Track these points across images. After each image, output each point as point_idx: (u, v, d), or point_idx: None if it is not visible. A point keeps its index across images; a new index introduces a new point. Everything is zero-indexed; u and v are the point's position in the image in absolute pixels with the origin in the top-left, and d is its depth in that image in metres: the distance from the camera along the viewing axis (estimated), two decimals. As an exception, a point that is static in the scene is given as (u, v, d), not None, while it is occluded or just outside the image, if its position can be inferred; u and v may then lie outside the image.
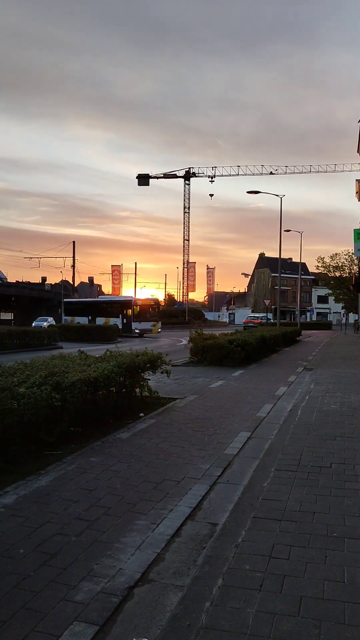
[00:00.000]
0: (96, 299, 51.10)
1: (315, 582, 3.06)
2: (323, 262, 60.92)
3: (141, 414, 7.83)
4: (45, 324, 43.61)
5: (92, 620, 2.68)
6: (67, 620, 2.67)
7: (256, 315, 61.38)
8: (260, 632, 2.57)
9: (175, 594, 2.95)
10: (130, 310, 37.46)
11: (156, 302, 43.15)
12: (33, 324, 42.28)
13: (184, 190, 73.84)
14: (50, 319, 51.28)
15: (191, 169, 72.67)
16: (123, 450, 5.82)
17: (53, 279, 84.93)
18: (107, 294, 76.63)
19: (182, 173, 72.73)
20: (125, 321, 37.36)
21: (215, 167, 71.59)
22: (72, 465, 5.23)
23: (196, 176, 73.08)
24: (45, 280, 78.11)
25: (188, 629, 2.61)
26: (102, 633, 2.59)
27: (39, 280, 78.12)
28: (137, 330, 35.89)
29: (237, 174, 70.39)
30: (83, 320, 39.38)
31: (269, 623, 2.65)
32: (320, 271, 64.82)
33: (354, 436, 6.69)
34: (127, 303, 38.65)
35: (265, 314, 59.18)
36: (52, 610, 2.76)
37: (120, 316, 38.03)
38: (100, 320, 38.18)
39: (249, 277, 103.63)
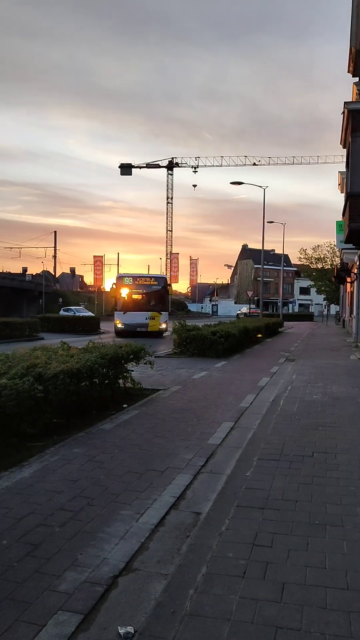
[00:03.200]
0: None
1: (298, 568, 3.10)
2: (305, 254, 61.41)
3: (125, 405, 7.83)
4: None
5: (76, 609, 2.69)
6: (51, 610, 2.68)
7: (252, 306, 61.72)
8: (244, 617, 2.61)
9: (159, 582, 2.97)
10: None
11: (160, 280, 26.85)
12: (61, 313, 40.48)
13: (167, 181, 73.69)
14: (82, 308, 47.69)
15: (174, 159, 72.49)
16: (106, 441, 5.82)
17: (34, 270, 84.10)
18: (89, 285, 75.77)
19: (165, 163, 72.52)
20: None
21: (198, 157, 71.55)
22: (55, 456, 5.22)
23: (179, 166, 72.94)
24: (26, 271, 77.26)
25: (172, 616, 2.63)
26: (87, 622, 2.60)
27: (19, 271, 77.31)
28: (120, 326, 24.75)
29: (221, 165, 70.48)
30: None
31: (252, 609, 2.68)
32: (302, 263, 65.33)
33: (335, 426, 6.78)
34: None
35: (249, 305, 59.55)
36: (36, 600, 2.76)
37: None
38: None
39: (232, 268, 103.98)
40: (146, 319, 24.58)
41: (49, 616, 2.63)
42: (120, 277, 26.63)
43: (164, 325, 25.09)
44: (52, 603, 2.74)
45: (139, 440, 5.94)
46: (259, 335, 22.95)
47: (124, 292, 25.51)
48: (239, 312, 67.97)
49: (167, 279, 28.29)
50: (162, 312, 25.15)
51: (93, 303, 65.83)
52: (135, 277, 26.46)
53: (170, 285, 27.04)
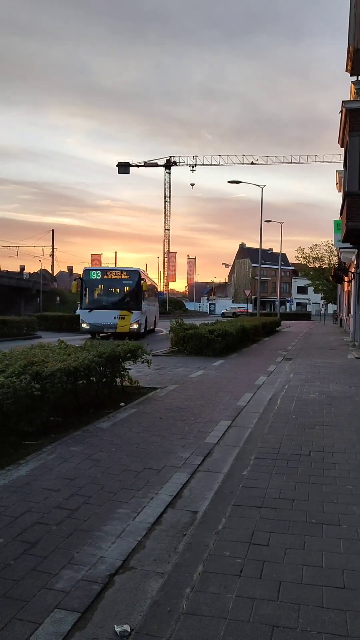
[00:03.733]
0: None
1: (294, 567, 3.11)
2: (303, 253, 61.54)
3: (122, 404, 7.82)
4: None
5: (73, 607, 2.69)
6: (48, 608, 2.67)
7: (241, 305, 61.72)
8: (240, 616, 2.61)
9: (156, 581, 2.97)
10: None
11: (133, 274, 23.14)
12: None
13: (165, 180, 73.63)
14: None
15: (172, 157, 72.42)
16: (104, 440, 5.82)
17: (32, 268, 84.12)
18: None
19: (163, 162, 72.47)
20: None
21: (196, 156, 71.54)
22: (52, 454, 5.21)
23: (177, 165, 72.90)
24: (24, 270, 77.16)
25: (169, 614, 2.63)
26: (83, 620, 2.60)
27: (17, 269, 77.17)
28: (85, 326, 22.20)
29: (219, 164, 70.46)
30: None
31: (248, 607, 2.68)
32: (300, 262, 65.47)
33: (332, 425, 6.79)
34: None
35: (246, 304, 59.66)
36: (32, 598, 2.76)
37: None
38: None
39: (230, 267, 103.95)
40: (115, 318, 21.67)
41: (46, 614, 2.62)
42: (86, 271, 23.30)
43: (135, 326, 21.76)
44: (49, 601, 2.73)
45: (136, 438, 5.94)
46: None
47: (90, 287, 22.50)
48: (224, 311, 67.06)
49: (142, 272, 24.46)
50: (133, 311, 21.96)
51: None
52: (103, 271, 23.32)
53: (144, 280, 23.56)
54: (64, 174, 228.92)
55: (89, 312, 22.05)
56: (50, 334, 24.69)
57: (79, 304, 23.62)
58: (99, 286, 22.90)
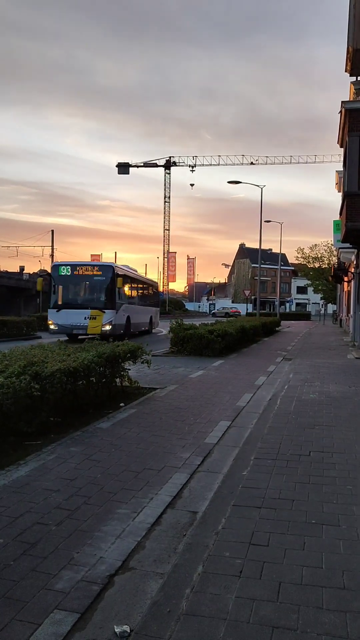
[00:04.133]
0: None
1: (294, 567, 3.10)
2: (303, 253, 61.62)
3: (121, 404, 7.82)
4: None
5: (72, 608, 2.69)
6: (47, 609, 2.67)
7: (234, 306, 61.66)
8: (240, 617, 2.61)
9: (155, 582, 2.96)
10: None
11: (105, 270, 20.79)
12: None
13: (165, 180, 73.65)
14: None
15: (172, 158, 72.43)
16: (103, 440, 5.82)
17: (31, 269, 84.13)
18: None
19: (162, 162, 72.49)
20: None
21: (196, 156, 71.57)
22: (52, 455, 5.21)
23: (177, 165, 72.91)
24: (24, 270, 77.14)
25: (168, 615, 2.63)
26: (83, 621, 2.60)
27: (16, 270, 77.14)
28: (53, 327, 20.34)
29: (218, 164, 70.48)
30: None
31: (248, 608, 2.68)
32: (299, 262, 65.52)
33: (332, 425, 6.79)
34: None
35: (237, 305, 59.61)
36: (32, 599, 2.76)
37: None
38: None
39: (229, 267, 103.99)
40: (85, 318, 19.70)
41: (45, 615, 2.62)
42: (55, 266, 21.45)
43: (108, 327, 19.61)
44: (48, 602, 2.73)
45: (135, 439, 5.94)
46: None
47: (59, 284, 20.60)
48: (215, 311, 66.38)
49: (117, 267, 21.89)
50: (105, 310, 19.86)
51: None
52: (73, 266, 20.82)
53: (121, 275, 21.22)
54: (63, 174, 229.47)
55: (57, 311, 20.20)
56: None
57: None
58: (69, 283, 20.75)
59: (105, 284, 20.43)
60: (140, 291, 27.12)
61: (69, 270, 20.65)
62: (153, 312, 29.24)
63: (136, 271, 28.11)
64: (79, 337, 19.85)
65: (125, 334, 20.54)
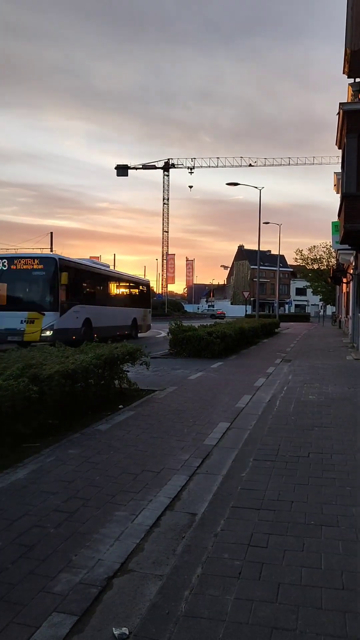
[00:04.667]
0: None
1: (293, 569, 3.10)
2: (301, 255, 61.72)
3: (120, 406, 7.81)
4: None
5: (71, 610, 2.67)
6: (45, 612, 2.66)
7: (219, 307, 61.49)
8: (239, 618, 2.60)
9: (154, 584, 2.95)
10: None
11: (47, 262, 17.05)
12: None
13: (163, 182, 73.75)
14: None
15: (170, 160, 72.53)
16: (102, 442, 5.80)
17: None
18: None
19: (161, 164, 72.60)
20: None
21: (194, 158, 71.71)
22: (50, 457, 5.20)
23: (175, 167, 73.02)
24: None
25: (167, 617, 2.62)
26: (81, 623, 2.59)
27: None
28: None
29: (217, 166, 70.60)
30: None
31: (247, 609, 2.67)
32: (298, 264, 65.58)
33: (331, 426, 6.78)
34: None
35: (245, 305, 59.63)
36: (30, 601, 2.75)
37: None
38: None
39: (228, 269, 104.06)
40: (22, 322, 16.26)
41: (44, 618, 2.61)
42: None
43: (48, 333, 16.08)
44: (47, 604, 2.72)
45: (134, 441, 5.93)
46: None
47: None
48: (202, 311, 65.90)
49: (60, 260, 17.32)
50: (46, 313, 16.32)
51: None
52: (10, 259, 17.25)
53: (66, 269, 17.28)
54: (62, 176, 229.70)
55: None
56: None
57: None
58: (5, 280, 16.99)
59: (45, 280, 16.84)
60: (116, 290, 23.78)
61: (6, 263, 17.06)
62: (139, 313, 25.81)
63: (108, 267, 25.32)
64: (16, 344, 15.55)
65: (83, 340, 15.34)
